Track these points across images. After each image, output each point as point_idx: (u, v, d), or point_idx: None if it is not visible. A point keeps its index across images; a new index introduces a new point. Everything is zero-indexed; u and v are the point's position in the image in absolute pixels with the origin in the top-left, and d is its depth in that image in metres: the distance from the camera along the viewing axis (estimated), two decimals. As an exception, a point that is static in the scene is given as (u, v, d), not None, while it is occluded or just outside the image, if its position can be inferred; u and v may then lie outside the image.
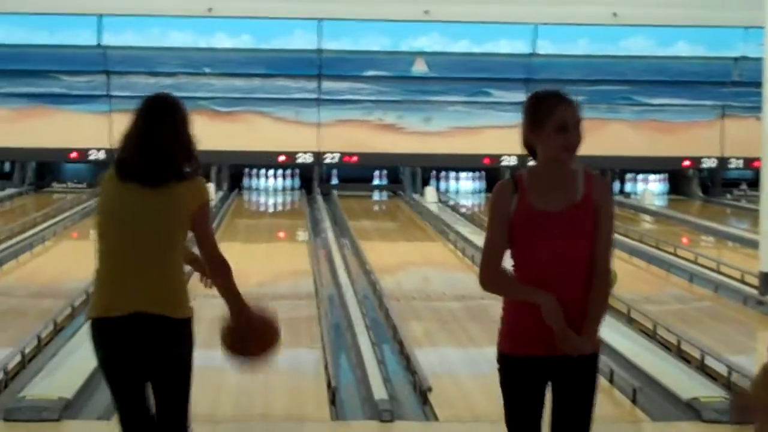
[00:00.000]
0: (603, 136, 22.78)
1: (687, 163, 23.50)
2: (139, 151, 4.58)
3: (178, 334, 4.57)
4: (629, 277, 13.15)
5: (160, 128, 4.65)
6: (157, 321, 4.49)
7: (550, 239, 4.10)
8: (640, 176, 24.11)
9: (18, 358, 8.06)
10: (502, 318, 4.27)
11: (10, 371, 7.78)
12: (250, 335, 4.70)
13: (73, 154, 22.54)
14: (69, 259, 14.23)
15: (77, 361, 8.13)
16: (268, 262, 14.07)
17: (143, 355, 4.53)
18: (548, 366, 4.15)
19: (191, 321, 4.62)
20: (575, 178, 4.17)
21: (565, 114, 4.14)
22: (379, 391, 7.36)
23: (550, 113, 4.15)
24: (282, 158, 22.82)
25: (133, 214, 4.53)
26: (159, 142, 4.59)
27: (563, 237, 4.11)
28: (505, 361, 4.26)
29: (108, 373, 4.62)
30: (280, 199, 22.71)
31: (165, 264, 4.55)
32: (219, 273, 4.68)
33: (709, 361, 8.20)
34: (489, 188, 23.12)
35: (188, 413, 4.69)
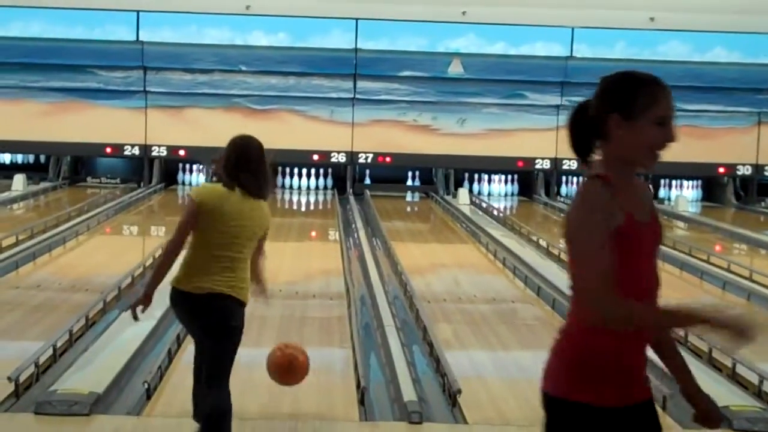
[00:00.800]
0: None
1: (722, 169, 23.39)
2: (243, 174, 5.89)
3: (235, 312, 5.86)
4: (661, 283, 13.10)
5: (254, 159, 5.96)
6: (225, 299, 5.80)
7: (649, 257, 3.46)
8: (674, 182, 24.03)
9: (50, 352, 8.09)
10: (565, 355, 3.40)
11: (42, 365, 7.81)
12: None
13: (108, 150, 22.65)
14: (102, 254, 14.31)
15: (108, 356, 8.19)
16: (300, 260, 14.09)
17: (202, 323, 5.84)
18: (620, 419, 3.37)
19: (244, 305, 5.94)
20: (640, 183, 3.49)
21: (667, 107, 3.36)
22: (409, 393, 7.35)
23: (651, 103, 3.33)
24: (315, 157, 22.85)
25: (234, 220, 5.83)
26: (257, 168, 5.93)
27: (654, 254, 3.48)
28: (573, 410, 3.35)
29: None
30: (312, 198, 22.74)
31: (243, 260, 5.89)
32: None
33: (741, 370, 8.16)
34: (522, 191, 23.13)
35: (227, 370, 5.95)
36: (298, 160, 22.78)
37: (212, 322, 5.81)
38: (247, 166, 5.92)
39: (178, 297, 5.88)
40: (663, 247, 14.04)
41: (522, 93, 22.91)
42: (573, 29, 22.71)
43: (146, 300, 5.92)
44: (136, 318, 5.93)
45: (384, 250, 14.73)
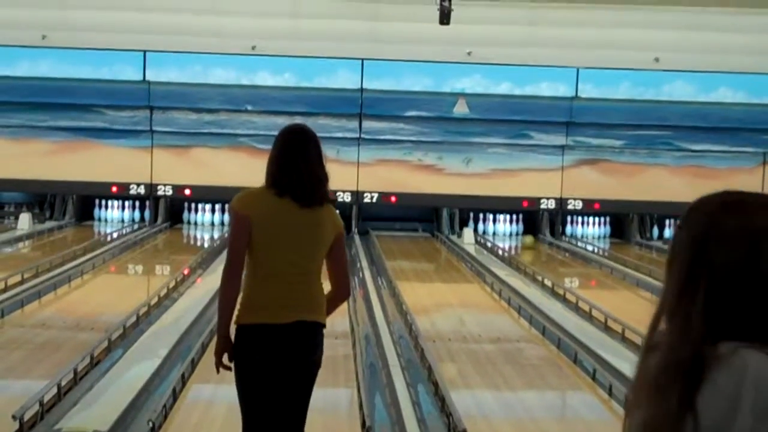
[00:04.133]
0: (643, 180, 22.77)
1: (727, 209, 23.34)
2: (295, 174, 5.09)
3: (321, 339, 5.21)
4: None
5: (309, 155, 5.18)
6: (313, 327, 5.13)
7: None
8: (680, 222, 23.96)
9: (54, 390, 8.08)
10: None
11: (47, 403, 7.79)
12: None
13: (114, 189, 22.70)
14: (107, 293, 14.30)
15: (113, 394, 8.18)
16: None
17: (295, 358, 5.09)
18: None
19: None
20: None
21: None
22: (414, 432, 7.34)
23: None
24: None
25: (290, 231, 5.04)
26: (310, 166, 5.15)
27: None
28: None
29: (252, 375, 5.04)
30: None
31: (314, 276, 5.11)
32: (342, 297, 5.42)
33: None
34: (527, 231, 23.09)
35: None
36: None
37: (316, 355, 5.19)
38: (291, 165, 5.10)
39: (257, 333, 5.02)
40: (660, 284, 14.12)
41: (527, 133, 22.93)
42: (578, 69, 22.76)
43: (226, 343, 5.03)
44: (227, 368, 5.06)
45: (389, 290, 14.72)
